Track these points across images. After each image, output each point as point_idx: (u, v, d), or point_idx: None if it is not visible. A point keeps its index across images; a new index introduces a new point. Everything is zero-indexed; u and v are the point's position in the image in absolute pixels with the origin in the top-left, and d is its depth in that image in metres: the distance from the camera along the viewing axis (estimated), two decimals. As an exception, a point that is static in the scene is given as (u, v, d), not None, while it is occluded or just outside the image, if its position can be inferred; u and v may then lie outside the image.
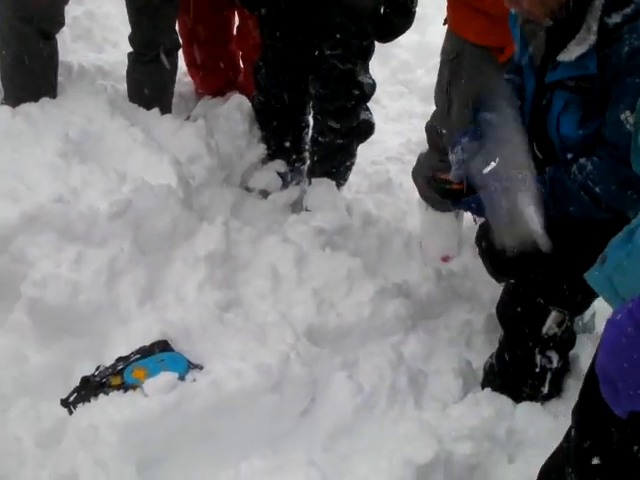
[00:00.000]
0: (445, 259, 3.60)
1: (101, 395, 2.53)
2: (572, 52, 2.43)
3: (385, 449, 2.47)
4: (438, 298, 3.43)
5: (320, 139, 3.89)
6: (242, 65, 4.53)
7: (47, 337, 2.77)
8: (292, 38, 3.63)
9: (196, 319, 2.87)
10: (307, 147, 4.05)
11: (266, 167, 4.02)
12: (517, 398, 2.89)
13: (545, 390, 2.93)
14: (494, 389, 2.91)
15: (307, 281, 3.19)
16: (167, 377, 2.51)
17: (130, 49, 3.93)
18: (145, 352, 2.66)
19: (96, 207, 3.00)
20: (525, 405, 2.81)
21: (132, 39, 3.87)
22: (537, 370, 2.89)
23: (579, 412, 2.04)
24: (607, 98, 2.42)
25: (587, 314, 3.26)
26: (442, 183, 2.76)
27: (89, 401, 2.53)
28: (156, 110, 3.86)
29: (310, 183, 3.97)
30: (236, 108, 4.06)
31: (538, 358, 2.88)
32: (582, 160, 2.49)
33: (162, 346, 2.69)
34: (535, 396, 2.91)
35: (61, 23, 3.77)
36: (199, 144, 3.74)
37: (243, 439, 2.49)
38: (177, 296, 3.00)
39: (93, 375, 2.62)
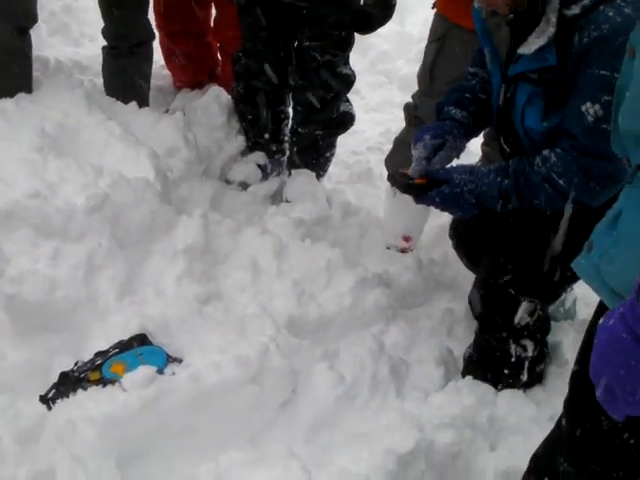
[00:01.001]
0: (407, 239, 3.55)
1: (79, 390, 2.50)
2: (532, 45, 2.45)
3: (366, 439, 2.46)
4: (419, 287, 3.42)
5: (300, 130, 3.88)
6: (220, 57, 4.50)
7: (25, 334, 2.73)
8: (271, 29, 3.61)
9: (175, 312, 2.84)
10: (287, 138, 4.03)
11: (245, 159, 4.01)
12: (497, 386, 2.89)
13: (524, 378, 2.91)
14: (475, 378, 2.90)
15: (287, 273, 3.18)
16: (145, 371, 2.48)
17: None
18: (123, 346, 2.65)
19: (73, 202, 2.98)
20: (506, 393, 2.81)
21: (105, 33, 3.85)
22: (513, 360, 2.88)
23: (570, 403, 2.01)
24: (568, 90, 2.45)
25: (568, 300, 3.26)
26: (404, 178, 2.73)
27: (68, 397, 2.50)
28: (134, 104, 3.84)
29: (290, 174, 3.97)
30: (214, 100, 4.04)
31: (513, 347, 2.87)
32: (545, 152, 2.50)
33: (141, 340, 2.67)
34: (515, 384, 2.91)
35: (35, 19, 3.73)
36: (177, 137, 3.72)
37: (223, 432, 2.48)
38: (156, 290, 2.97)
39: (72, 370, 2.59)
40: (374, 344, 2.92)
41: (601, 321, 1.46)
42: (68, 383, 2.55)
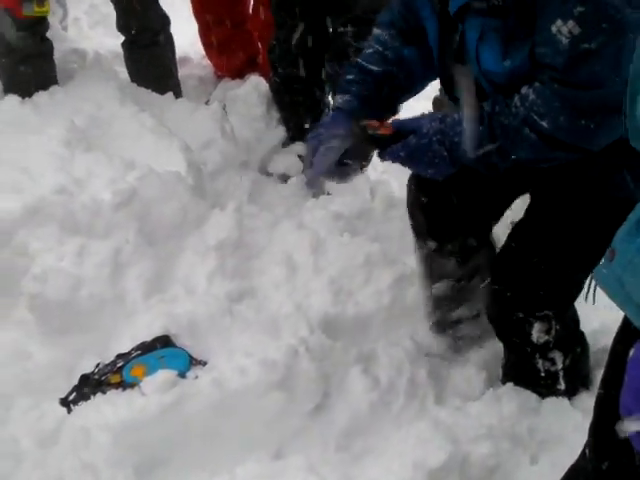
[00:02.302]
0: None
1: (99, 394, 2.43)
2: None
3: (398, 450, 2.31)
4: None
5: None
6: (260, 45, 4.40)
7: (50, 333, 2.68)
8: (305, 16, 3.50)
9: (204, 312, 2.75)
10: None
11: (286, 150, 3.89)
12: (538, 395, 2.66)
13: (562, 387, 2.64)
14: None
15: (324, 269, 3.04)
16: (166, 375, 2.39)
17: None
18: (146, 348, 2.55)
19: (100, 197, 2.91)
20: (550, 400, 2.61)
21: (121, 27, 3.79)
22: (543, 374, 2.61)
23: (595, 429, 1.84)
24: (530, 12, 1.98)
25: None
26: (370, 129, 2.35)
27: (88, 400, 2.43)
28: (170, 94, 3.80)
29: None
30: (253, 90, 3.94)
31: (540, 363, 2.59)
32: (524, 89, 2.04)
33: (164, 341, 2.57)
34: (555, 393, 2.65)
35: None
36: (214, 128, 3.63)
37: (245, 441, 2.35)
38: (186, 288, 2.88)
39: (92, 373, 2.52)
40: (412, 345, 2.77)
41: (632, 353, 1.31)
42: (88, 386, 2.48)
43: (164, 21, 3.88)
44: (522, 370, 2.64)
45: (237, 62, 4.34)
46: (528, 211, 2.51)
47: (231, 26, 4.23)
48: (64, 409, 2.45)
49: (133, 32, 3.79)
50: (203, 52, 4.45)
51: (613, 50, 1.83)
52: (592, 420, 1.85)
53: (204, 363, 2.52)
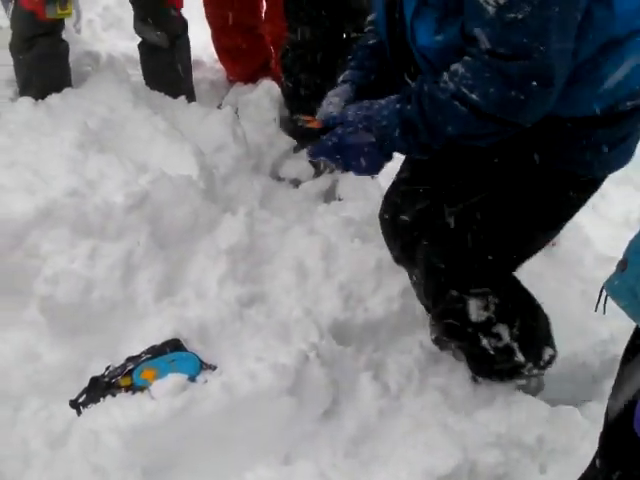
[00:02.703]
0: None
1: (108, 397, 2.42)
2: None
3: (407, 457, 2.30)
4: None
5: None
6: (272, 50, 4.40)
7: (61, 335, 2.68)
8: (318, 20, 3.49)
9: (215, 316, 2.75)
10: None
11: (297, 155, 3.87)
12: (503, 379, 2.62)
13: (521, 358, 2.53)
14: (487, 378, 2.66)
15: (334, 275, 3.04)
16: (176, 379, 2.38)
17: None
18: (156, 352, 2.54)
19: (111, 200, 2.90)
20: (559, 409, 2.61)
21: (138, 29, 3.80)
22: (492, 353, 2.51)
23: (606, 439, 1.82)
24: None
25: None
26: (300, 122, 2.38)
27: (97, 403, 2.43)
28: (182, 98, 3.79)
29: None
30: (265, 95, 3.94)
31: (485, 341, 2.48)
32: (453, 65, 2.00)
33: (174, 345, 2.56)
34: (517, 371, 2.57)
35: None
36: (226, 132, 3.63)
37: (254, 446, 2.35)
38: (197, 292, 2.88)
39: (102, 375, 2.51)
40: (422, 352, 2.77)
41: None
42: (98, 388, 2.47)
43: (182, 25, 3.88)
44: (476, 356, 2.57)
45: (249, 67, 4.33)
46: (466, 188, 2.44)
47: (244, 31, 4.22)
48: (74, 411, 2.45)
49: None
50: (216, 56, 4.45)
51: (539, 21, 1.82)
52: (603, 429, 1.84)
53: (214, 367, 2.51)
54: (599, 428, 1.99)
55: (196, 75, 4.15)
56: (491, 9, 1.85)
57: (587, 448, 2.32)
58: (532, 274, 3.27)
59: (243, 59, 4.31)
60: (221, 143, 3.58)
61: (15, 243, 2.81)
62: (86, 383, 2.51)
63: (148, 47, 3.83)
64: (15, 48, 3.58)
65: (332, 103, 2.32)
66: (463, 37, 1.98)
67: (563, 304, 3.18)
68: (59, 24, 3.57)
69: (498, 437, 2.43)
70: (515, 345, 2.49)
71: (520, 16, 1.80)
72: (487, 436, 2.43)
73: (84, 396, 2.47)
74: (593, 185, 2.35)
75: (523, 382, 2.77)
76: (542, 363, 2.57)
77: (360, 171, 2.26)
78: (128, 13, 4.86)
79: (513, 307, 2.51)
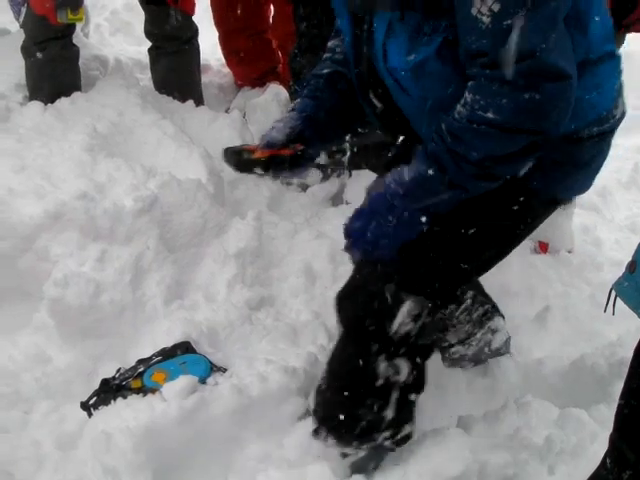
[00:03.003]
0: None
1: (119, 399, 2.43)
2: None
3: (416, 458, 2.30)
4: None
5: (360, 130, 3.74)
6: (280, 54, 4.41)
7: (70, 338, 2.70)
8: (327, 24, 3.49)
9: (224, 319, 2.77)
10: (347, 138, 3.89)
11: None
12: (346, 433, 2.26)
13: (388, 415, 2.24)
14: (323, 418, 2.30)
15: (342, 278, 3.03)
16: (187, 381, 2.39)
17: None
18: (166, 354, 2.56)
19: (121, 203, 2.91)
20: (568, 411, 2.61)
21: (148, 33, 3.81)
22: (379, 382, 2.19)
23: (615, 440, 1.82)
24: (436, 4, 1.87)
25: (497, 340, 2.79)
26: (245, 153, 2.25)
27: (108, 404, 2.43)
28: (190, 102, 3.81)
29: (351, 175, 3.82)
30: (273, 99, 3.94)
31: (382, 366, 2.17)
32: (463, 97, 1.90)
33: (184, 348, 2.58)
34: (375, 425, 2.24)
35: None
36: (234, 136, 3.64)
37: (265, 448, 2.35)
38: (206, 295, 2.90)
39: (113, 378, 2.52)
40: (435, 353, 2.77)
41: None
42: (109, 390, 2.48)
43: (192, 30, 3.90)
44: (351, 375, 2.23)
45: (257, 71, 4.34)
46: None
47: (251, 35, 4.23)
48: (84, 413, 2.45)
49: (161, 38, 3.81)
50: (223, 60, 4.46)
51: (536, 21, 1.76)
52: (613, 430, 1.84)
53: (224, 370, 2.53)
54: (608, 430, 2.00)
55: (204, 79, 4.17)
56: (486, 19, 1.78)
57: (595, 450, 2.33)
58: (540, 277, 3.28)
59: (251, 63, 4.31)
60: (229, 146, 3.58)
61: (25, 246, 2.84)
62: (96, 385, 2.52)
63: (158, 51, 3.85)
64: (26, 51, 3.61)
65: (275, 128, 2.28)
66: (463, 59, 1.89)
67: (571, 307, 3.19)
68: (70, 28, 3.60)
69: (507, 439, 2.43)
70: (395, 394, 2.23)
71: (517, 21, 1.75)
72: (496, 437, 2.43)
73: (95, 398, 2.48)
74: (552, 205, 2.26)
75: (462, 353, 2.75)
76: (399, 437, 2.31)
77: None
78: (135, 18, 4.91)
79: (427, 348, 2.30)
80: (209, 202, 3.07)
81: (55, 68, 3.62)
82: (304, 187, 3.80)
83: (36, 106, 3.51)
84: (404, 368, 2.20)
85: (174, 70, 3.85)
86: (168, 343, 2.62)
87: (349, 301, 2.22)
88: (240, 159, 2.25)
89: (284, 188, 3.80)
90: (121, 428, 2.27)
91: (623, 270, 1.70)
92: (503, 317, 2.81)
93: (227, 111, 4.09)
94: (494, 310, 2.78)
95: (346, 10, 2.09)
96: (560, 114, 1.87)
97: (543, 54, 1.76)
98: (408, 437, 2.33)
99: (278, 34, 4.26)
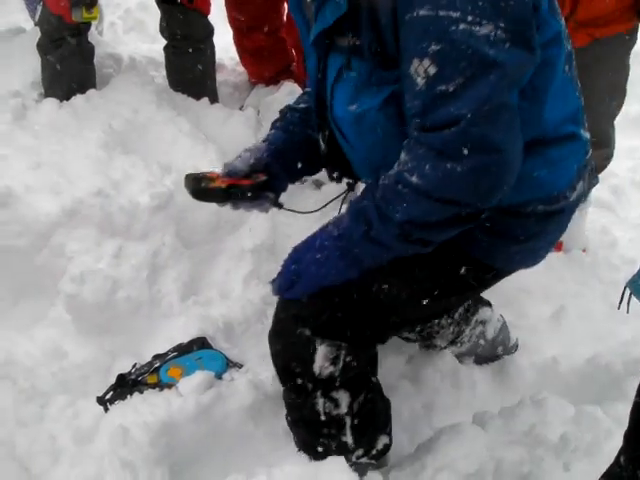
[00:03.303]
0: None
1: (135, 394, 2.45)
2: None
3: (432, 454, 2.30)
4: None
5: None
6: (294, 53, 4.41)
7: (87, 333, 2.71)
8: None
9: (240, 315, 2.79)
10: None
11: (319, 157, 3.88)
12: (317, 456, 2.23)
13: (349, 440, 2.20)
14: (296, 445, 2.31)
15: (357, 275, 3.05)
16: (203, 376, 2.41)
17: None
18: (182, 350, 2.57)
19: (137, 200, 2.93)
20: (583, 409, 2.60)
21: (163, 31, 3.82)
22: (323, 418, 2.16)
23: (630, 437, 1.82)
24: (385, 56, 1.80)
25: (490, 331, 2.80)
26: (204, 181, 2.22)
27: (124, 399, 2.44)
28: (205, 100, 3.81)
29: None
30: (287, 97, 3.93)
31: (320, 403, 2.13)
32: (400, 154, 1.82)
33: (200, 343, 2.59)
34: (342, 449, 2.21)
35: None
36: (248, 134, 3.64)
37: (280, 443, 2.37)
38: (221, 291, 2.91)
39: (129, 373, 2.54)
40: (449, 352, 2.78)
41: None
42: (125, 385, 2.49)
43: (208, 30, 3.91)
44: (301, 416, 2.22)
45: (271, 69, 4.33)
46: None
47: (266, 33, 4.22)
48: (100, 408, 2.47)
49: (177, 37, 3.82)
50: (237, 58, 4.45)
51: (471, 92, 1.65)
52: (628, 427, 1.84)
53: (240, 365, 2.54)
54: (623, 427, 2.01)
55: (218, 77, 4.16)
56: (420, 80, 1.69)
57: (610, 447, 2.31)
58: (553, 277, 3.28)
59: (265, 61, 4.31)
60: (244, 144, 3.50)
61: (41, 243, 2.84)
62: (112, 381, 2.53)
63: (173, 50, 3.86)
64: (42, 48, 3.63)
65: (240, 158, 2.27)
66: (406, 116, 1.81)
67: (584, 306, 3.18)
68: (85, 26, 3.61)
69: (523, 435, 2.43)
70: (348, 421, 2.19)
71: (451, 88, 1.65)
72: (512, 434, 2.43)
73: (111, 393, 2.49)
74: (494, 274, 2.16)
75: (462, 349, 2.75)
76: (374, 452, 2.28)
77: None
78: (149, 16, 4.93)
79: (362, 380, 2.20)
80: (225, 199, 3.07)
81: (70, 66, 3.63)
82: (318, 184, 3.80)
83: (51, 103, 3.52)
84: (343, 400, 2.15)
85: (189, 69, 3.85)
86: (184, 339, 2.64)
87: (274, 341, 2.18)
88: (198, 187, 2.21)
89: (298, 185, 3.79)
90: (138, 423, 2.28)
91: (637, 268, 1.70)
92: (489, 305, 2.77)
93: (241, 109, 4.10)
94: (476, 303, 2.73)
95: (313, 49, 2.02)
96: (489, 189, 1.75)
97: (470, 124, 1.65)
98: (385, 450, 2.31)
99: (292, 32, 4.25)
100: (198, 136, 3.41)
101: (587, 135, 2.04)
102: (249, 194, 2.24)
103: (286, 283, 2.05)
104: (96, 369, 2.65)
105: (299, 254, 2.05)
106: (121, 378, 2.51)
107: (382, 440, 2.29)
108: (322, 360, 2.06)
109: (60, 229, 2.85)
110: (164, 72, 4.10)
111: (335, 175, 2.32)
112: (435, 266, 2.02)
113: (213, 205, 2.99)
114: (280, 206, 2.36)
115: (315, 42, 1.95)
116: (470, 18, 1.63)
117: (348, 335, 2.06)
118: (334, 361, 2.07)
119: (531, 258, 2.16)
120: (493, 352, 2.84)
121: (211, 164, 3.23)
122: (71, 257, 2.79)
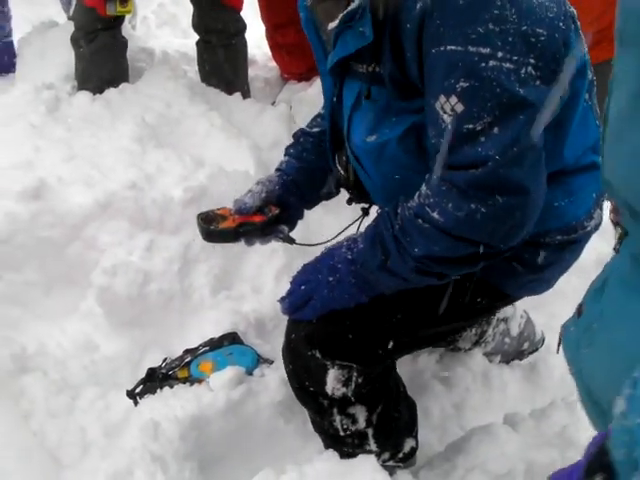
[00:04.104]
0: None
1: (166, 388, 2.44)
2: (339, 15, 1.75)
3: (464, 455, 2.28)
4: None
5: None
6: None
7: (118, 326, 2.71)
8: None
9: (271, 310, 2.77)
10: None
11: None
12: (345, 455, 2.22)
13: (373, 447, 2.20)
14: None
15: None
16: (234, 371, 2.39)
17: None
18: (213, 344, 2.56)
19: (170, 194, 2.93)
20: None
21: (196, 26, 3.82)
22: (341, 434, 2.17)
23: None
24: (407, 86, 1.75)
25: (515, 324, 2.79)
26: (214, 224, 2.19)
27: (154, 393, 2.44)
28: (238, 95, 3.80)
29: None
30: (319, 92, 3.89)
31: (338, 419, 2.14)
32: (421, 187, 1.78)
33: (231, 338, 2.59)
34: (367, 454, 2.20)
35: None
36: (281, 129, 3.62)
37: (311, 440, 2.35)
38: (253, 286, 2.90)
39: (159, 367, 2.53)
40: (479, 352, 2.75)
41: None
42: (155, 379, 2.49)
43: (240, 25, 3.90)
44: (325, 432, 2.22)
45: (303, 64, 4.31)
46: None
47: (298, 29, 4.20)
48: (130, 401, 2.47)
49: (209, 33, 3.82)
50: (269, 54, 4.45)
51: (500, 132, 1.60)
52: None
53: (271, 361, 2.53)
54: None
55: (250, 72, 4.17)
56: (447, 117, 1.63)
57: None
58: (584, 278, 3.21)
59: (297, 57, 4.29)
60: (276, 139, 3.57)
61: (74, 235, 2.85)
62: (142, 374, 2.53)
63: (205, 45, 3.86)
64: (76, 42, 3.64)
65: (250, 192, 2.24)
66: (428, 150, 1.78)
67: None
68: (119, 20, 3.62)
69: (554, 437, 2.40)
70: (370, 432, 2.19)
71: (479, 127, 1.60)
72: (543, 436, 2.39)
73: (141, 387, 2.49)
74: (503, 299, 2.15)
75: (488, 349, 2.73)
76: (401, 455, 2.27)
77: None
78: (182, 11, 4.94)
79: (377, 392, 2.18)
80: (257, 194, 3.07)
81: (103, 59, 3.64)
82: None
83: (85, 96, 3.53)
84: (360, 415, 2.15)
85: (222, 64, 3.85)
86: (215, 333, 2.63)
87: (287, 361, 2.16)
88: (208, 229, 2.19)
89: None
90: (169, 417, 2.28)
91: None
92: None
93: (273, 104, 4.09)
94: None
95: (329, 72, 1.97)
96: (512, 230, 1.72)
97: (497, 166, 1.61)
98: (412, 452, 2.30)
99: (325, 28, 4.24)
100: (231, 130, 3.40)
101: None
102: (260, 231, 2.21)
103: (296, 304, 2.03)
104: (127, 362, 2.65)
105: (309, 275, 2.02)
106: (151, 372, 2.51)
107: (408, 443, 2.28)
108: (334, 382, 2.06)
109: (93, 221, 2.85)
110: (196, 67, 4.11)
111: (350, 199, 2.29)
112: (447, 292, 1.99)
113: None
114: (292, 242, 2.32)
115: (333, 69, 1.91)
116: (500, 54, 1.57)
117: (359, 356, 2.04)
118: (346, 383, 2.07)
119: (544, 287, 2.15)
120: (519, 348, 2.81)
121: (244, 159, 3.23)
122: (103, 249, 2.79)
